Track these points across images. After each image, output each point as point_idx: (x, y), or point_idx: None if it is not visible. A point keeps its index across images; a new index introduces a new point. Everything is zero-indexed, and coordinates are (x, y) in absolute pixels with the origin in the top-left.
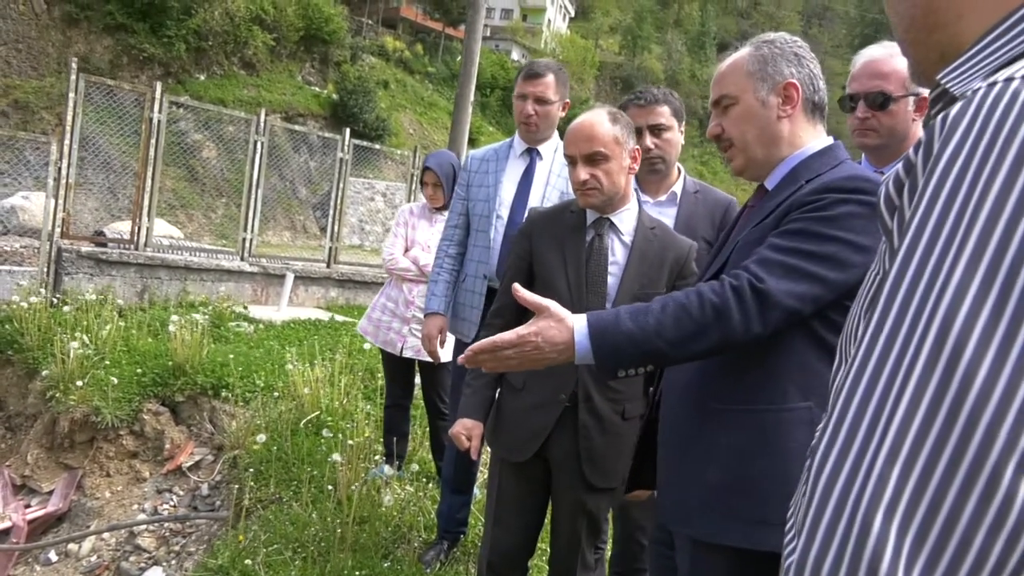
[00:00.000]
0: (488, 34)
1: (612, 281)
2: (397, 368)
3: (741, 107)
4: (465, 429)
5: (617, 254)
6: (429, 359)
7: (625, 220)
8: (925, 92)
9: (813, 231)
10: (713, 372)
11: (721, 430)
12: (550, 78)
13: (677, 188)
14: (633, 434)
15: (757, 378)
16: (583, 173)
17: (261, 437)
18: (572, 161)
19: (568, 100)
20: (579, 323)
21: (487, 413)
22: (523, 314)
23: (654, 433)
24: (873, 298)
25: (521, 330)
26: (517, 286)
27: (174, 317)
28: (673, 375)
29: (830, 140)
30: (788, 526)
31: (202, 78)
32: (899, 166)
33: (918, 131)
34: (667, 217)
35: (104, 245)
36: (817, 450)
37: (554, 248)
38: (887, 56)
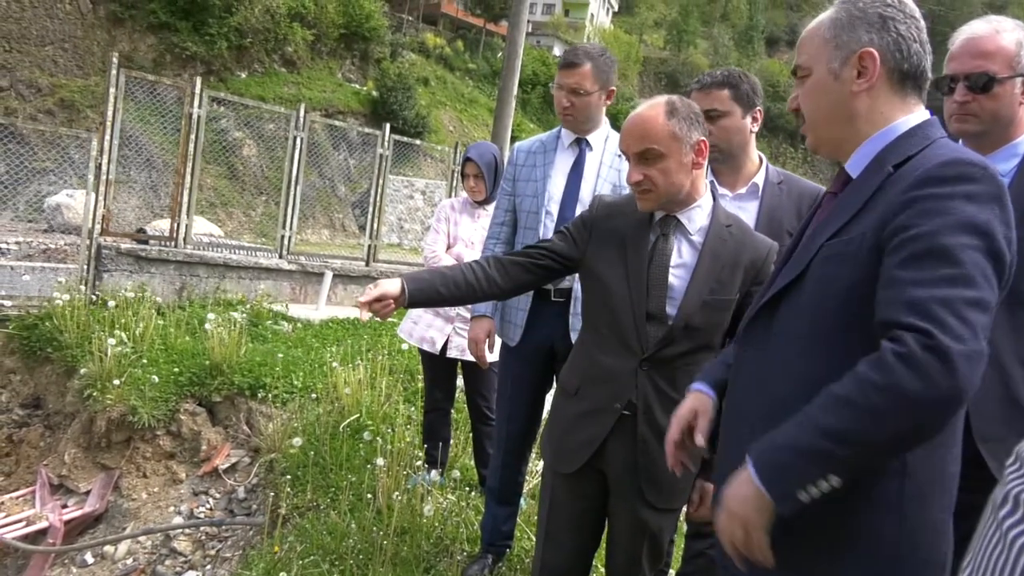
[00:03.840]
0: (530, 30)
1: (679, 284)
2: (438, 370)
3: (813, 79)
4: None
5: (684, 255)
6: (473, 359)
7: (695, 218)
8: None
9: (944, 247)
10: (787, 403)
11: None
12: (587, 67)
13: (758, 179)
14: (698, 452)
15: None
16: (635, 173)
17: (297, 440)
18: (627, 158)
19: (613, 87)
20: (749, 460)
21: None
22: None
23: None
24: None
25: (719, 521)
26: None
27: (210, 315)
28: (736, 403)
29: (925, 115)
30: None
31: (243, 76)
32: None
33: None
34: (748, 211)
35: (145, 242)
36: None
37: (616, 246)
38: (992, 33)
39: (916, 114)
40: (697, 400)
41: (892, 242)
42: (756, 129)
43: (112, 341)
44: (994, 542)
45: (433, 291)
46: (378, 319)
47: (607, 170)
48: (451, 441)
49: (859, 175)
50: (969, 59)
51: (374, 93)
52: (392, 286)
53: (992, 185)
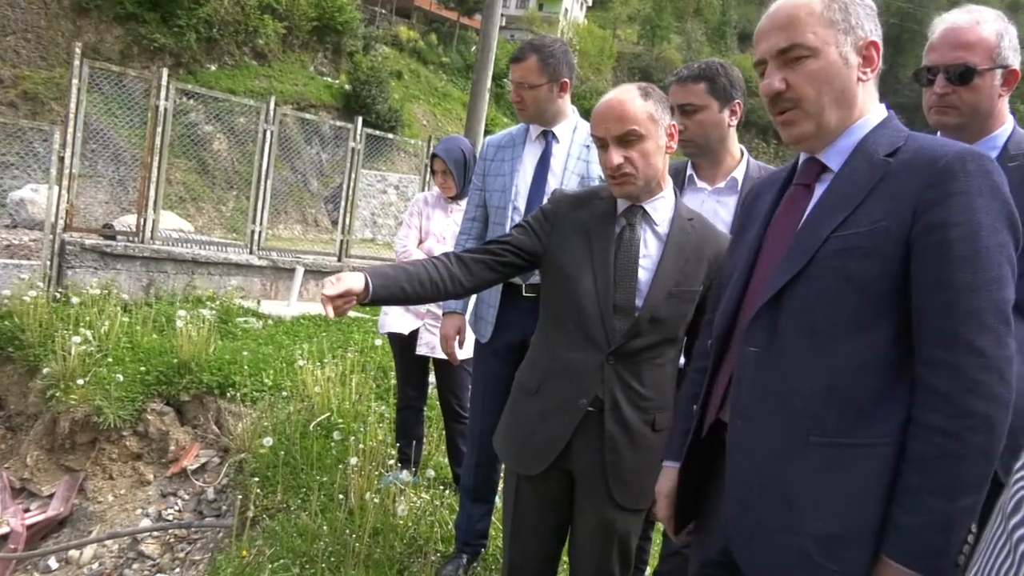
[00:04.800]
0: (503, 23)
1: (645, 276)
2: (410, 368)
3: (821, 62)
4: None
5: (650, 247)
6: (444, 357)
7: (660, 209)
8: (1014, 63)
9: (988, 248)
10: (805, 401)
11: (829, 470)
12: (532, 60)
13: (738, 173)
14: (663, 448)
15: (877, 404)
16: (616, 156)
17: (267, 440)
18: (602, 144)
19: (566, 79)
20: (895, 562)
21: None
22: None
23: (699, 459)
24: None
25: None
26: None
27: (180, 312)
28: (746, 403)
29: (884, 108)
30: None
31: (213, 68)
32: None
33: (1004, 109)
34: (727, 206)
35: (112, 238)
36: None
37: (579, 238)
38: (972, 23)
39: (881, 107)
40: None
41: (931, 237)
42: (735, 123)
43: (77, 339)
44: (1004, 552)
45: (397, 288)
46: (336, 316)
47: (574, 162)
48: (425, 439)
49: (843, 165)
50: (949, 50)
51: (347, 87)
52: (355, 281)
53: (1001, 176)
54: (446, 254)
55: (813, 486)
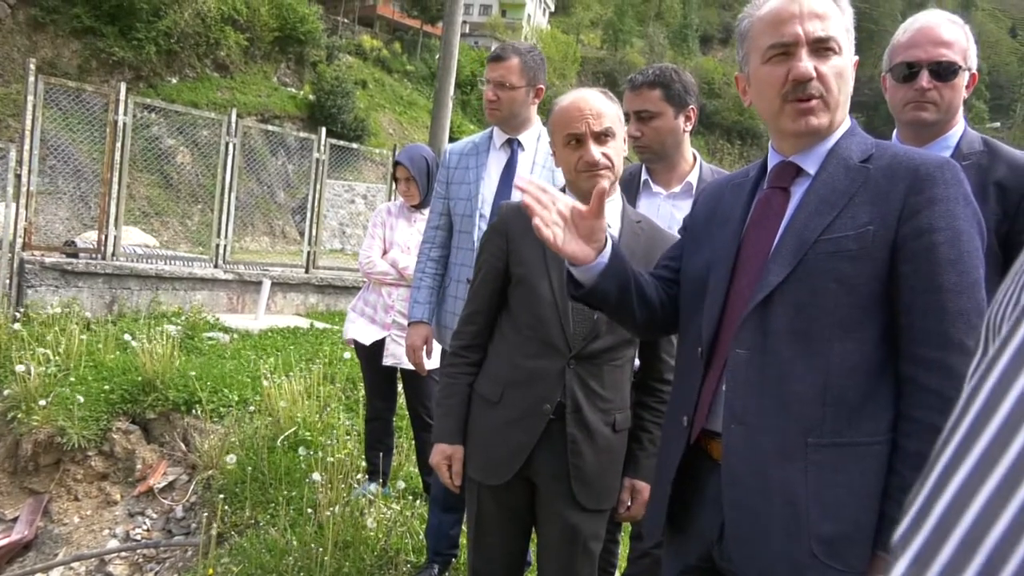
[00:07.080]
0: (467, 30)
1: None
2: (378, 378)
3: (844, 62)
4: (444, 457)
5: None
6: (411, 367)
7: (611, 212)
8: (974, 68)
9: (968, 252)
10: (804, 400)
11: (830, 470)
12: (513, 61)
13: (692, 178)
14: (623, 448)
15: (866, 403)
16: (596, 152)
17: (231, 457)
18: (577, 140)
19: (541, 86)
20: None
21: (465, 433)
22: (496, 319)
23: (687, 470)
24: None
25: None
26: None
27: (127, 336)
28: (741, 407)
29: (849, 117)
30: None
31: (174, 81)
32: None
33: (960, 110)
34: (682, 210)
35: (75, 256)
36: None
37: (534, 245)
38: (946, 22)
39: (847, 116)
40: None
41: (919, 241)
42: (690, 128)
43: (23, 365)
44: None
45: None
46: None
47: (540, 170)
48: (394, 450)
49: (819, 169)
50: (931, 47)
51: (311, 97)
52: (456, 452)
53: (968, 184)
54: (470, 359)
55: (816, 487)
